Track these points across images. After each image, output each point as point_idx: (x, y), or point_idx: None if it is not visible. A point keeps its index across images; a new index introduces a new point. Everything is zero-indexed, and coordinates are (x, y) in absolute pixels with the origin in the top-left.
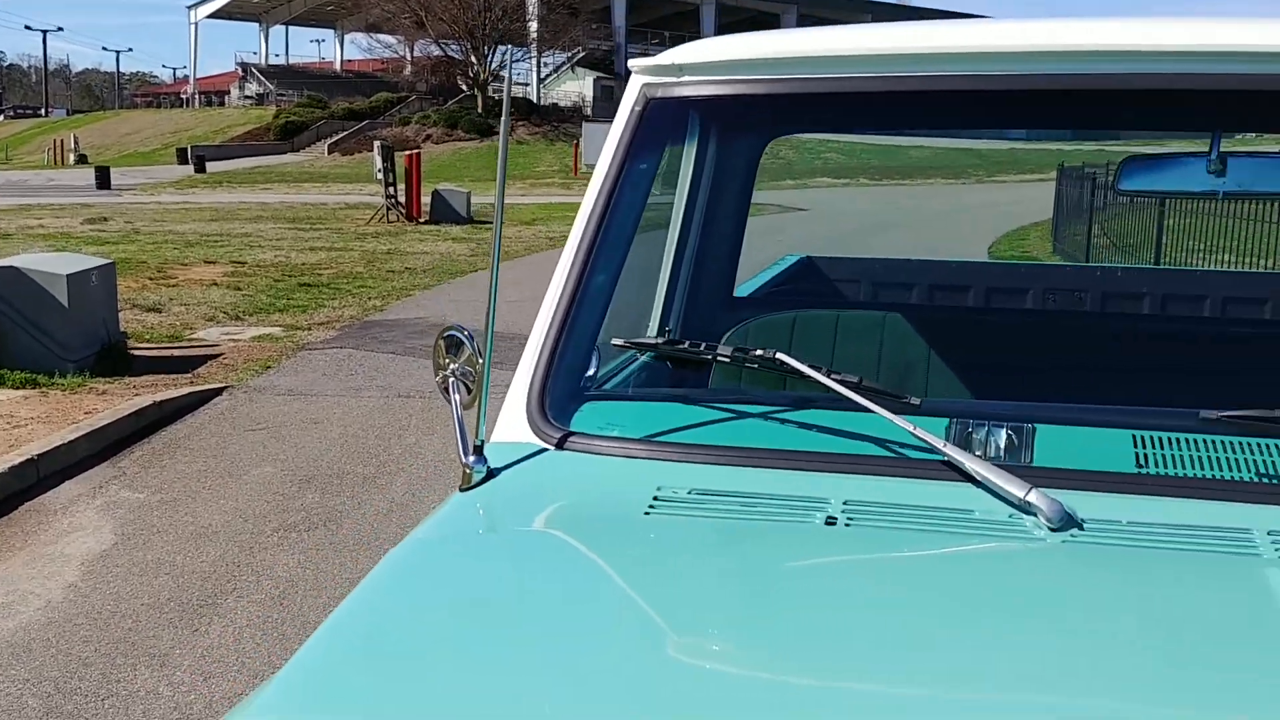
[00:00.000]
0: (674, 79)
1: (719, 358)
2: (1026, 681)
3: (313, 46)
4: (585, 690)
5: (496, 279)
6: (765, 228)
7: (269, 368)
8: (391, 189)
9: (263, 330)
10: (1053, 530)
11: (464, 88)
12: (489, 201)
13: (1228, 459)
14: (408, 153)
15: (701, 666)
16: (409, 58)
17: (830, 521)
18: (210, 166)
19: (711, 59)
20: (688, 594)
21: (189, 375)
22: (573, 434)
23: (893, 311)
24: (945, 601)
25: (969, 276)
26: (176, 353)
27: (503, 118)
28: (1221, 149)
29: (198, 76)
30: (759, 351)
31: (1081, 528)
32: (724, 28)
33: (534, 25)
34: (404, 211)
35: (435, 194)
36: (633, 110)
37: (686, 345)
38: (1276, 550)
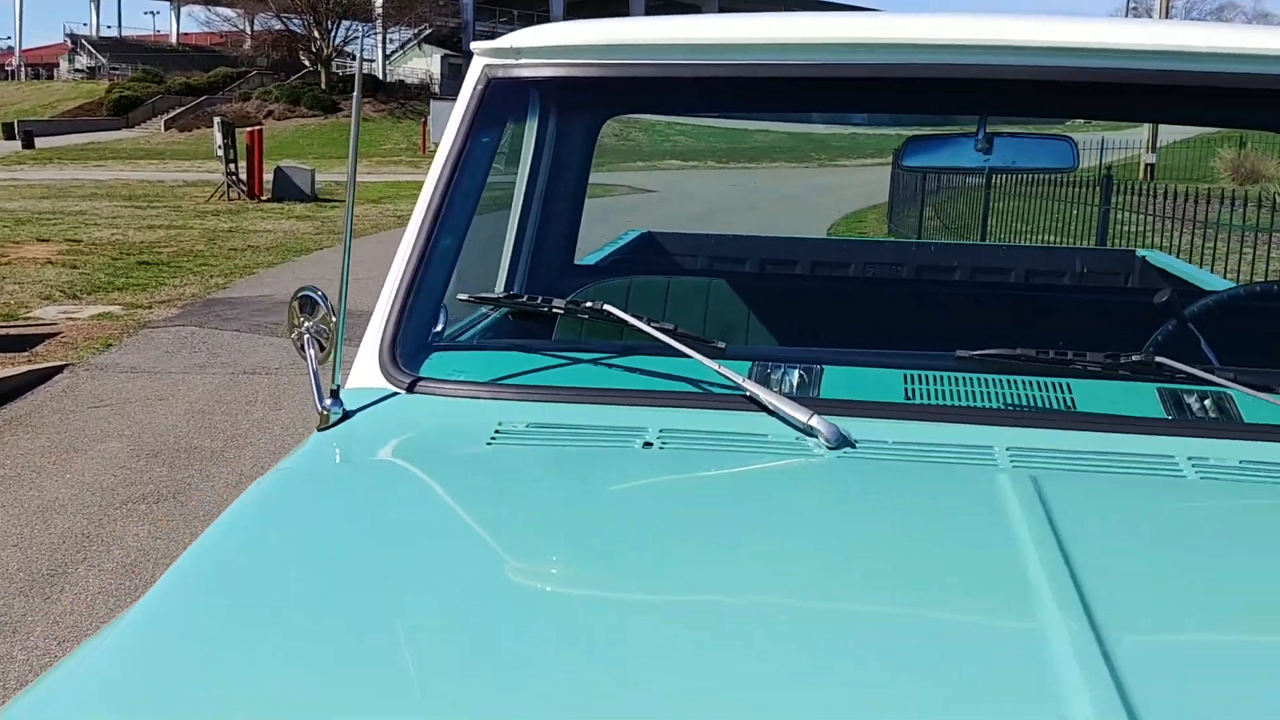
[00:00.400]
0: (513, 61)
1: (554, 309)
2: (807, 573)
3: (147, 19)
4: (429, 603)
5: (351, 228)
6: (615, 207)
7: (110, 346)
8: (232, 166)
9: (102, 309)
10: (830, 449)
11: (306, 63)
12: (334, 179)
13: (978, 391)
14: (249, 129)
15: (538, 574)
16: (249, 32)
17: (647, 445)
18: (39, 142)
19: (547, 44)
20: (523, 512)
21: (26, 354)
22: (421, 379)
23: (719, 279)
24: (741, 506)
25: (796, 251)
26: (12, 332)
27: (355, 94)
28: (988, 130)
29: (23, 48)
30: (588, 304)
31: (854, 446)
32: (571, 8)
33: (379, 1)
34: (245, 189)
35: (278, 171)
36: (475, 89)
37: (525, 299)
38: (1012, 462)
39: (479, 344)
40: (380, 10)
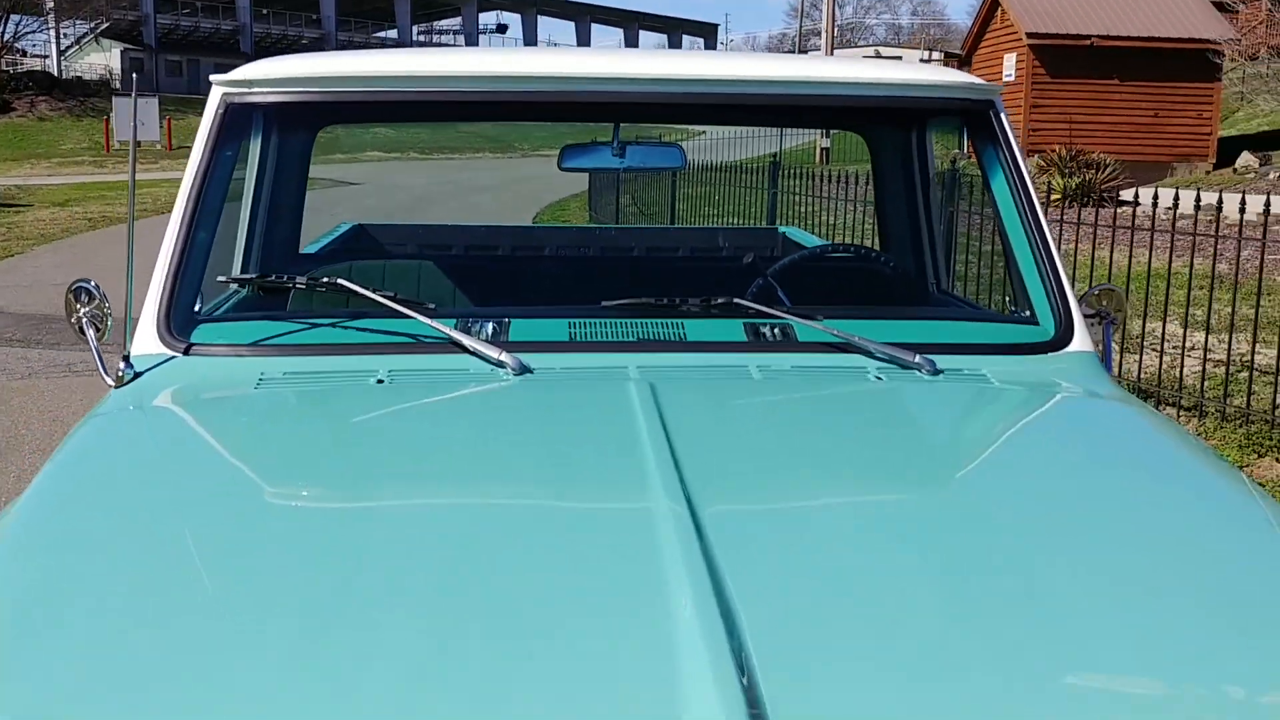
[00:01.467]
0: (245, 90)
1: (297, 285)
2: (497, 461)
3: None
4: (233, 507)
5: (133, 218)
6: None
7: None
8: None
9: None
10: (515, 375)
11: None
12: (13, 183)
13: (619, 329)
14: None
15: (305, 478)
16: None
17: (380, 381)
18: None
19: (271, 76)
20: (290, 433)
21: None
22: (194, 344)
23: (428, 261)
24: (452, 417)
25: (497, 237)
26: None
27: (133, 95)
28: (621, 139)
29: None
30: (326, 280)
31: (532, 372)
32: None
33: None
34: None
35: None
36: (215, 112)
37: (273, 277)
38: (640, 375)
39: (234, 316)
40: (53, 4)
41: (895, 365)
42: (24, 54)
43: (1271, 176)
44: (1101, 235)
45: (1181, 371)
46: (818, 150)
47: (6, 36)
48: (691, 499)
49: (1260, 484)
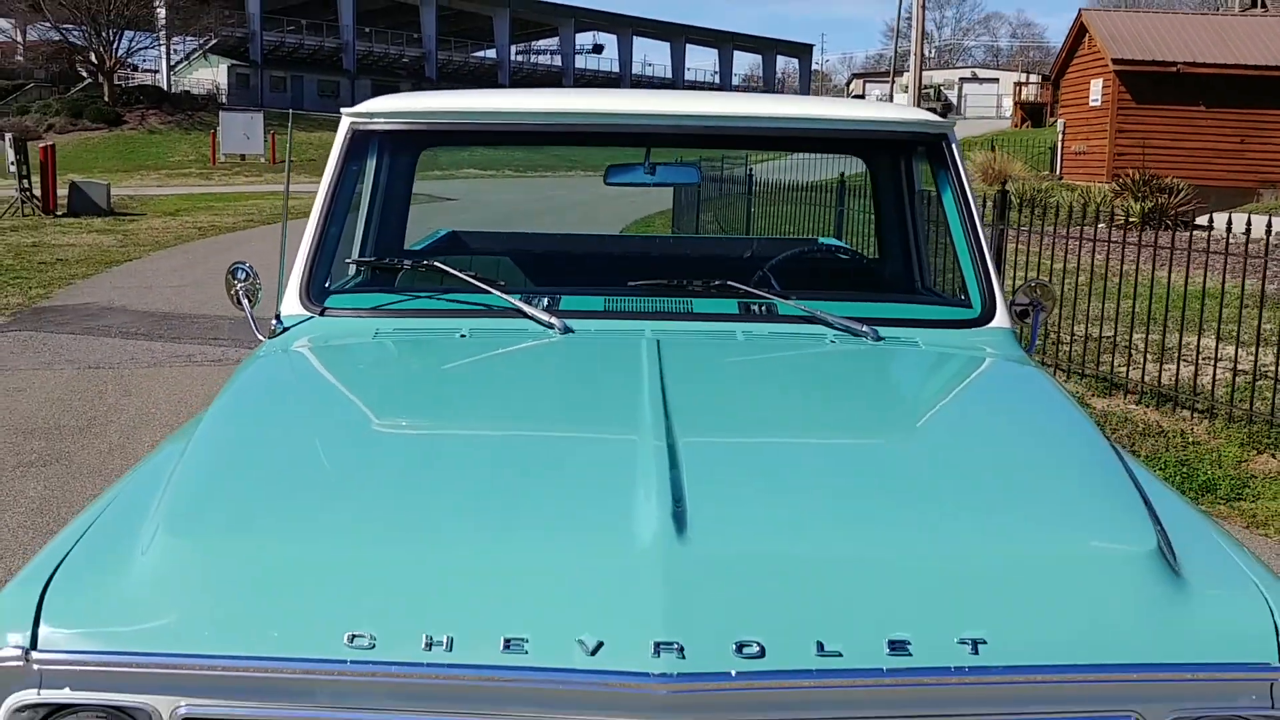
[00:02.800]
0: (367, 119)
1: (403, 266)
2: (540, 394)
3: None
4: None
5: (286, 215)
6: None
7: None
8: (26, 181)
9: None
10: (560, 334)
11: (84, 75)
12: (126, 193)
13: (641, 304)
14: (42, 145)
15: (423, 399)
16: (22, 42)
17: (462, 336)
18: None
19: (384, 110)
20: (399, 368)
21: None
22: (327, 309)
23: (504, 256)
24: (512, 360)
25: (559, 240)
26: None
27: (289, 126)
28: (652, 160)
29: None
30: (425, 262)
31: (574, 333)
32: (362, 16)
33: (161, 11)
34: (40, 205)
35: (73, 186)
36: (344, 136)
37: (388, 260)
38: (651, 337)
39: (355, 290)
40: (164, 21)
41: (848, 334)
42: (135, 69)
43: None
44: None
45: (1196, 377)
46: None
47: (120, 52)
48: (669, 413)
49: (1253, 476)
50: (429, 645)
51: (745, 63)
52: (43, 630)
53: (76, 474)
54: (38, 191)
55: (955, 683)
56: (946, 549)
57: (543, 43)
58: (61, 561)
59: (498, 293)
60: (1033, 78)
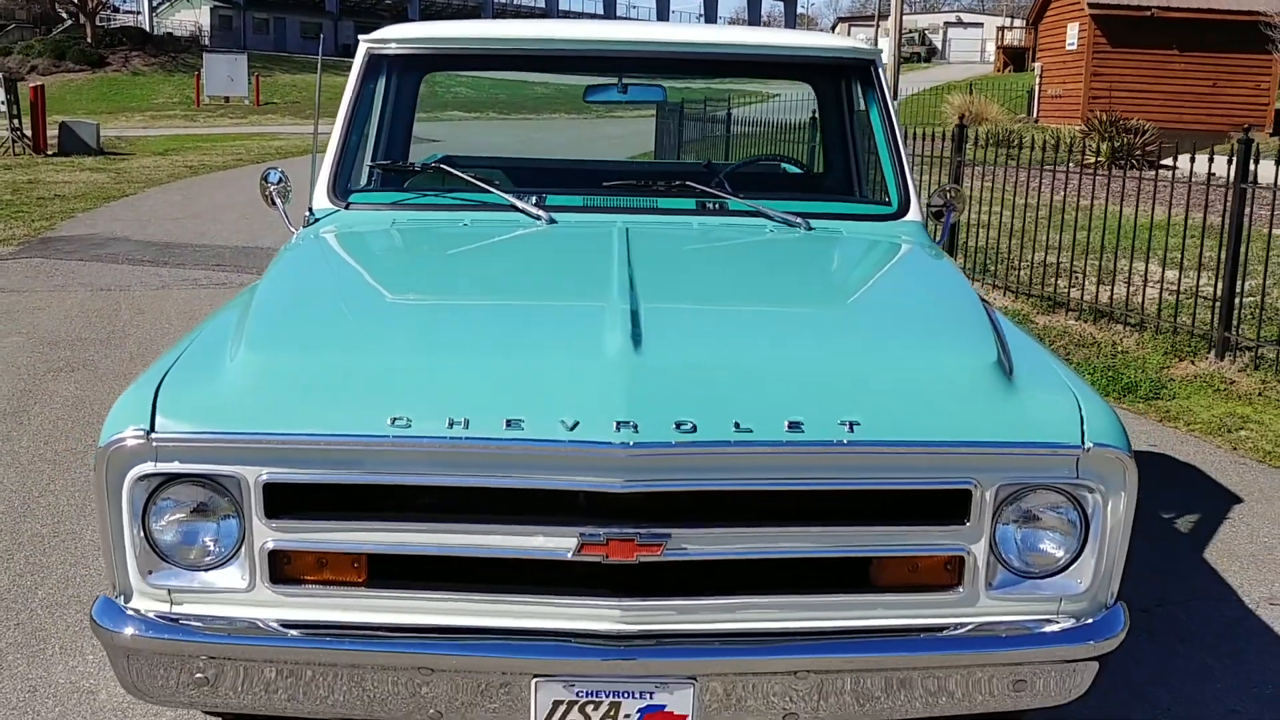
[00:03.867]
0: (382, 44)
1: (415, 169)
2: (532, 263)
3: None
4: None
5: (317, 121)
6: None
7: None
8: (16, 121)
9: None
10: (546, 224)
11: (64, 15)
12: (116, 134)
13: (615, 201)
14: (32, 86)
15: (436, 269)
16: None
17: (464, 225)
18: None
19: (399, 36)
20: (414, 246)
21: None
22: (351, 204)
23: (497, 168)
24: (506, 242)
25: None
26: None
27: (317, 71)
28: (625, 81)
29: None
30: (434, 165)
31: (557, 223)
32: None
33: None
34: (30, 144)
35: (63, 126)
36: (361, 59)
37: (398, 163)
38: (622, 226)
39: (373, 189)
40: None
41: (785, 224)
42: (116, 10)
43: None
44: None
45: (1129, 296)
46: None
47: None
48: (633, 274)
49: (1171, 379)
50: (451, 425)
51: (731, 5)
52: (158, 418)
53: (102, 378)
54: (28, 132)
55: (836, 452)
56: (835, 357)
57: None
58: (168, 370)
59: (495, 191)
60: (1016, 22)
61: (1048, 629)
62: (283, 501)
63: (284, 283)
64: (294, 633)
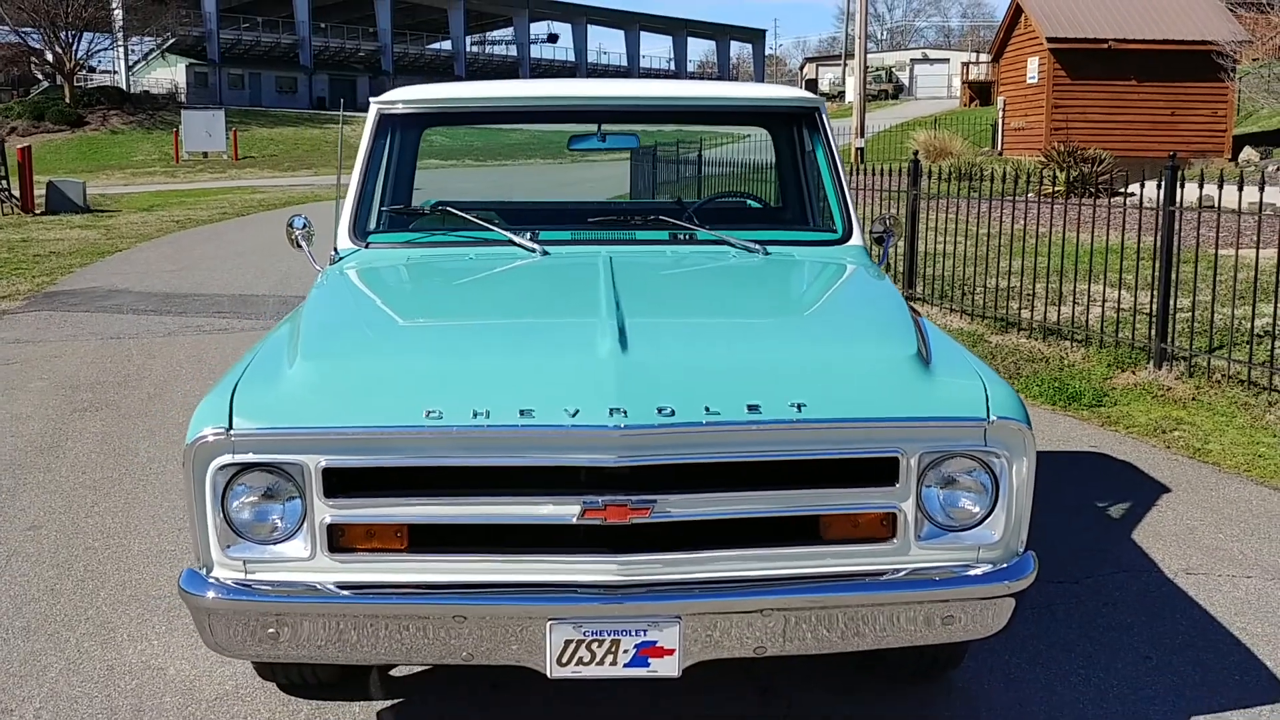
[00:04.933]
0: (390, 105)
1: (426, 211)
2: (523, 294)
3: None
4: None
5: (340, 167)
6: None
7: None
8: (4, 181)
9: None
10: (542, 255)
11: (40, 77)
12: (99, 192)
13: (601, 235)
14: (19, 147)
15: (451, 293)
16: None
17: (470, 258)
18: None
19: (405, 99)
20: (430, 275)
21: None
22: (370, 243)
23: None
24: (505, 271)
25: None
26: None
27: (339, 123)
28: (604, 130)
29: None
30: (443, 208)
31: (549, 255)
32: (318, 11)
33: (119, 12)
34: (18, 204)
35: (50, 185)
36: (373, 118)
37: (404, 206)
38: (607, 256)
39: (388, 230)
40: (121, 22)
41: (745, 250)
42: (93, 70)
43: (1271, 169)
44: (1074, 218)
45: (1074, 315)
46: (853, 151)
47: (80, 54)
48: (618, 293)
49: (1113, 388)
50: (475, 415)
51: (700, 49)
52: (234, 418)
53: (126, 416)
54: (16, 192)
55: (788, 429)
56: (786, 352)
57: (498, 33)
58: (239, 379)
59: (494, 228)
60: (981, 57)
61: (971, 572)
62: (338, 483)
63: (326, 306)
64: (347, 592)
